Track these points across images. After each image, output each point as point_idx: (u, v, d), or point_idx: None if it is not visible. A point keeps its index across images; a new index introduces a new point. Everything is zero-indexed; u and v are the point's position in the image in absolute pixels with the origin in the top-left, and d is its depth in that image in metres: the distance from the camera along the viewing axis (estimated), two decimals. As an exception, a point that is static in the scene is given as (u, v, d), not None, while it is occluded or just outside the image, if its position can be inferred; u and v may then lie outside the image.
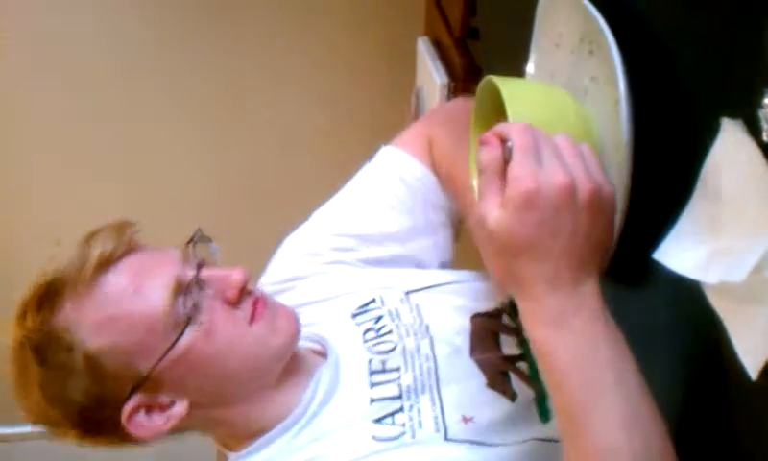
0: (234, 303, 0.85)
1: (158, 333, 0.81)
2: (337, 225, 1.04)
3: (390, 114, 1.91)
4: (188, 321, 0.81)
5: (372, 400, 0.87)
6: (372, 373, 0.90)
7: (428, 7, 1.73)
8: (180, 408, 0.83)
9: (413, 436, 0.83)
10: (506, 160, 0.61)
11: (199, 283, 0.84)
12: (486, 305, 0.97)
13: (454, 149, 0.98)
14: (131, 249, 0.85)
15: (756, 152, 0.49)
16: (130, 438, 0.85)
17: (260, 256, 1.05)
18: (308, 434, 0.85)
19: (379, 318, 0.95)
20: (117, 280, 0.82)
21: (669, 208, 0.57)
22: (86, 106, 1.99)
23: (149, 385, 0.82)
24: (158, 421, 0.83)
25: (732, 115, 0.50)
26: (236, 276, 0.85)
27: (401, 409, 0.85)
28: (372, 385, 0.88)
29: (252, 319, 0.86)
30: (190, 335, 0.82)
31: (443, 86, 1.46)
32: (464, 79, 1.45)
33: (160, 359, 0.81)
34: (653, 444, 0.59)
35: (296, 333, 0.88)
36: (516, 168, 0.59)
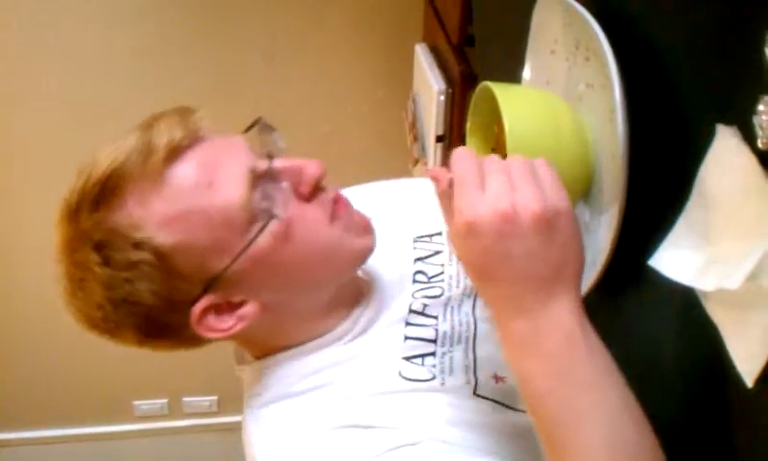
0: (309, 199, 0.78)
1: (235, 229, 0.73)
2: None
3: (387, 119, 1.91)
4: (268, 216, 0.74)
5: (407, 338, 0.84)
6: (412, 312, 0.87)
7: (426, 13, 1.74)
8: (252, 308, 0.77)
9: (442, 383, 0.81)
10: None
11: (273, 175, 0.75)
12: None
13: None
14: (197, 138, 0.76)
15: (750, 158, 0.49)
16: (193, 340, 0.79)
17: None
18: (338, 355, 0.82)
19: (437, 253, 0.94)
20: (187, 172, 0.73)
21: (665, 215, 0.57)
22: (87, 105, 1.99)
23: (221, 285, 0.75)
24: (229, 322, 0.77)
25: (728, 122, 0.50)
26: (312, 168, 0.78)
27: (433, 354, 0.83)
28: (408, 324, 0.86)
29: (333, 217, 0.79)
30: (268, 232, 0.75)
31: (439, 92, 1.46)
32: (460, 85, 1.45)
33: (237, 257, 0.74)
34: None
35: (372, 242, 0.83)
36: (455, 200, 0.59)
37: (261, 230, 0.73)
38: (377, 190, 1.06)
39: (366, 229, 0.82)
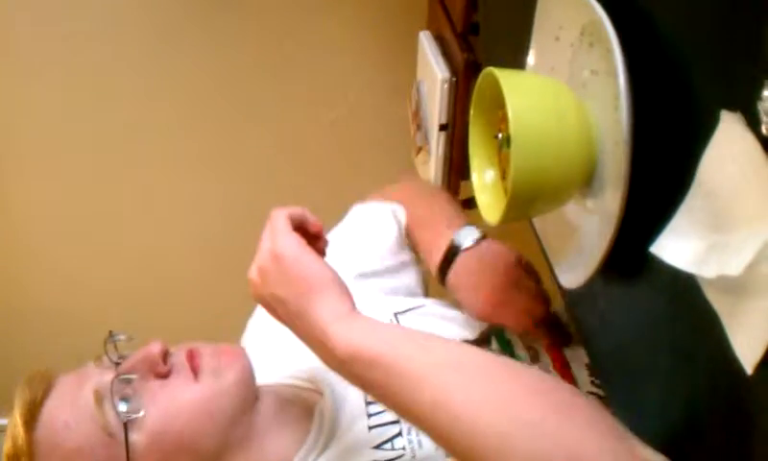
0: (166, 375, 0.85)
1: (113, 445, 0.81)
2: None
3: (391, 107, 1.91)
4: (126, 419, 0.81)
5: (371, 428, 0.88)
6: (369, 403, 0.90)
7: (431, 1, 1.73)
8: None
9: (413, 456, 0.84)
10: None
11: (123, 378, 0.83)
12: (470, 333, 0.99)
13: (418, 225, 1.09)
14: (47, 390, 0.84)
15: (754, 145, 0.48)
16: None
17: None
18: None
19: None
20: (48, 427, 0.82)
21: (667, 202, 0.57)
22: (86, 104, 1.99)
23: None
24: None
25: (732, 108, 0.50)
26: (153, 349, 0.85)
27: (400, 434, 0.87)
28: (370, 415, 0.89)
29: (195, 375, 0.85)
30: (139, 428, 0.81)
31: (443, 81, 1.46)
32: (465, 74, 1.45)
33: None
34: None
35: (245, 364, 0.87)
36: None
37: (126, 434, 0.80)
38: None
39: (231, 359, 0.86)
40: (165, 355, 0.85)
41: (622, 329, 0.75)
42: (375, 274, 1.08)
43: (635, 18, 0.62)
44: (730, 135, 0.51)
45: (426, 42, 1.60)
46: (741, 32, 0.50)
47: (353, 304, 0.74)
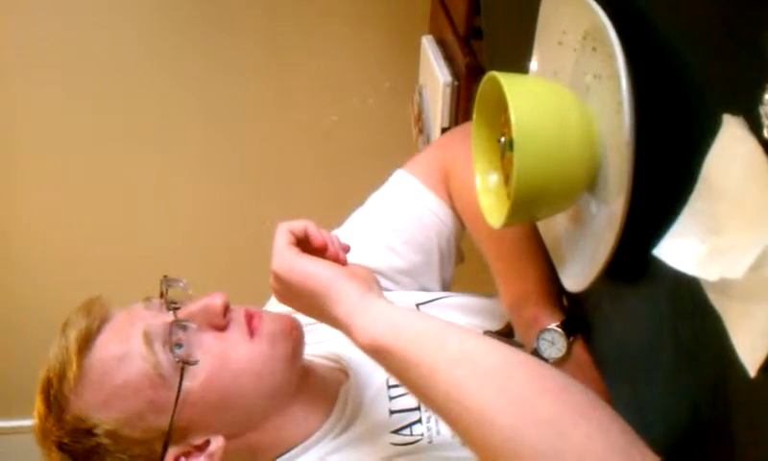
0: (223, 328, 0.86)
1: (162, 387, 0.82)
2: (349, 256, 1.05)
3: (393, 111, 1.91)
4: (183, 364, 0.82)
5: (392, 412, 0.89)
6: (391, 387, 0.92)
7: (433, 5, 1.73)
8: (217, 444, 0.84)
9: (430, 442, 0.86)
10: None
11: (181, 325, 0.84)
12: (493, 325, 0.98)
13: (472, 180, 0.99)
14: (103, 322, 0.86)
15: (756, 148, 0.49)
16: None
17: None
18: (334, 445, 0.87)
19: None
20: (101, 356, 0.83)
21: (670, 206, 0.57)
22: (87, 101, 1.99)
23: (177, 436, 0.83)
24: None
25: (734, 112, 0.50)
26: (216, 300, 0.86)
27: (419, 421, 0.88)
28: (391, 398, 0.91)
29: (251, 334, 0.86)
30: (193, 375, 0.82)
31: (446, 85, 1.46)
32: (467, 78, 1.45)
33: (174, 410, 0.82)
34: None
35: (299, 336, 0.89)
36: None
37: (181, 379, 0.82)
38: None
39: (287, 331, 0.88)
40: (226, 309, 0.86)
41: (625, 331, 0.75)
42: (402, 272, 1.06)
43: (637, 23, 0.63)
44: (732, 139, 0.51)
45: (429, 46, 1.60)
46: (743, 36, 0.50)
47: (367, 286, 0.76)
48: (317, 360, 0.96)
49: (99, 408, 0.82)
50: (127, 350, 0.83)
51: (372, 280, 0.81)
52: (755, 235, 0.49)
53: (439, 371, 0.65)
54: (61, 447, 0.83)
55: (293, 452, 0.87)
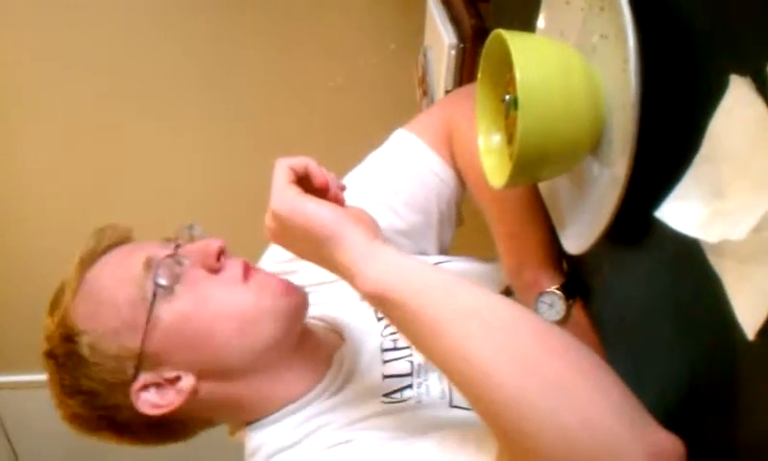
0: (216, 270, 0.86)
1: (140, 309, 0.83)
2: None
3: (398, 72, 1.90)
4: (155, 292, 0.83)
5: (385, 377, 0.89)
6: (385, 350, 0.92)
7: (440, -34, 1.71)
8: (188, 381, 0.84)
9: (419, 402, 0.86)
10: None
11: (176, 258, 0.85)
12: (491, 290, 0.98)
13: (475, 140, 0.98)
14: (113, 244, 0.89)
15: (763, 110, 0.48)
16: (161, 431, 0.88)
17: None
18: (323, 407, 0.87)
19: None
20: (99, 272, 0.87)
21: (673, 167, 0.57)
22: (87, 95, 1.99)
23: (149, 362, 0.84)
24: (170, 396, 0.84)
25: (741, 72, 0.50)
26: (211, 243, 0.86)
27: (410, 386, 0.88)
28: (385, 362, 0.91)
29: (245, 277, 0.86)
30: (170, 304, 0.83)
31: (451, 47, 1.45)
32: (473, 40, 1.44)
33: (146, 333, 0.83)
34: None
35: (299, 300, 0.87)
36: None
37: (152, 304, 0.83)
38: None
39: (285, 291, 0.87)
40: (221, 254, 0.87)
41: (625, 294, 0.75)
42: (401, 233, 1.04)
43: (646, -18, 0.62)
44: (739, 100, 0.50)
45: (434, 8, 1.58)
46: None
47: (373, 233, 0.73)
48: (312, 322, 0.96)
49: (85, 319, 0.84)
50: (123, 271, 0.85)
51: (376, 227, 0.80)
52: (758, 197, 0.49)
53: (446, 323, 0.64)
54: (50, 353, 0.87)
55: (282, 412, 0.87)
